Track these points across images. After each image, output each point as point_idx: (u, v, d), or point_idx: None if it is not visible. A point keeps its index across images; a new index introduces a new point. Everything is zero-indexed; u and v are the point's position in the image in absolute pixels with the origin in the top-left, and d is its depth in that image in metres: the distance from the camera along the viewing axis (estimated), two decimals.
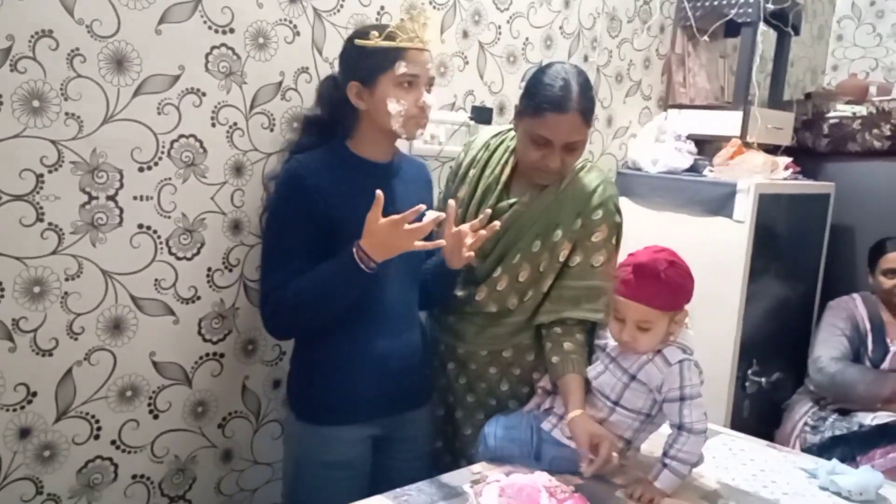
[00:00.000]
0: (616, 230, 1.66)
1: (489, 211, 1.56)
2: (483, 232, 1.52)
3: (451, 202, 1.51)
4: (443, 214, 1.44)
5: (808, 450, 2.42)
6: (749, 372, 2.54)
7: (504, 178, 1.68)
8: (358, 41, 1.46)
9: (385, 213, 1.40)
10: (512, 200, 1.66)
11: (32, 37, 1.31)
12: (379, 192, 1.35)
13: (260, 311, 1.49)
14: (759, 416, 2.63)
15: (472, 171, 1.73)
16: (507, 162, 1.69)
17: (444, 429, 1.80)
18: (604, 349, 1.50)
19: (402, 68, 1.44)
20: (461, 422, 1.75)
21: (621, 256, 2.58)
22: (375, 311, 1.51)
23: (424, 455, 1.68)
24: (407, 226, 1.35)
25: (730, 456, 1.72)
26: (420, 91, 1.48)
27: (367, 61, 1.46)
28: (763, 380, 2.57)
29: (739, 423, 2.48)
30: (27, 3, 1.30)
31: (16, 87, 1.31)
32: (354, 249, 1.38)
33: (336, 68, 1.61)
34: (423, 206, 1.40)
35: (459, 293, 1.71)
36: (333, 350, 1.50)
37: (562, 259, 1.63)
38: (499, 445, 1.52)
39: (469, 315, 1.71)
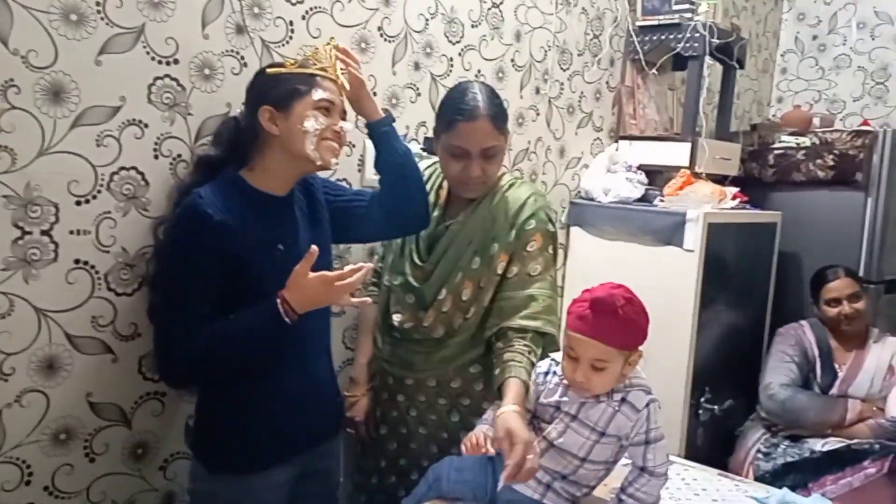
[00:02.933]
0: (551, 239, 1.68)
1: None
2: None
3: (314, 248, 1.38)
4: (370, 266, 1.44)
5: (761, 477, 2.44)
6: (702, 400, 2.56)
7: (440, 202, 1.74)
8: (271, 70, 1.44)
9: (286, 247, 1.42)
10: (448, 223, 1.70)
11: None
12: (314, 248, 1.34)
13: (160, 361, 1.41)
14: (713, 443, 2.65)
15: None
16: (440, 187, 1.76)
17: (397, 462, 1.77)
18: (558, 406, 1.44)
19: (318, 94, 1.43)
20: (417, 454, 1.72)
21: (574, 286, 2.64)
22: (284, 346, 1.45)
23: (334, 487, 1.67)
24: (338, 283, 1.34)
25: (682, 486, 1.71)
26: (336, 118, 1.47)
27: (281, 87, 1.42)
28: (716, 407, 2.59)
29: (693, 451, 2.49)
30: None
31: None
32: (279, 301, 1.34)
33: None
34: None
35: (406, 323, 1.70)
36: (244, 392, 1.44)
37: (500, 271, 1.65)
38: (451, 488, 1.48)
39: (417, 342, 1.70)
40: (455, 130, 1.60)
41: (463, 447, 1.39)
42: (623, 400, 1.39)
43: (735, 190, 2.73)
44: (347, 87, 1.49)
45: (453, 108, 1.62)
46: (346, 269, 1.37)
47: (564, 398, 1.43)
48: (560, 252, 2.70)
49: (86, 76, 1.41)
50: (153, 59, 1.50)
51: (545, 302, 1.62)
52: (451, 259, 1.68)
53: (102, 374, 1.52)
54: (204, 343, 1.34)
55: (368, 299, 1.51)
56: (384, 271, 1.82)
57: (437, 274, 1.68)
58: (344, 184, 1.91)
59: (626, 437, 1.40)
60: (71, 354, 1.47)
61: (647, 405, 1.39)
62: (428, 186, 1.75)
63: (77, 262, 1.45)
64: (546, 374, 1.50)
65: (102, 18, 1.42)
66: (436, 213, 1.73)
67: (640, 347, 1.40)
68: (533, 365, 1.53)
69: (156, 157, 1.53)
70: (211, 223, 1.35)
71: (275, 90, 1.42)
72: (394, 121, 1.63)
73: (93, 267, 1.47)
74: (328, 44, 1.50)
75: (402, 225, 1.69)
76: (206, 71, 1.59)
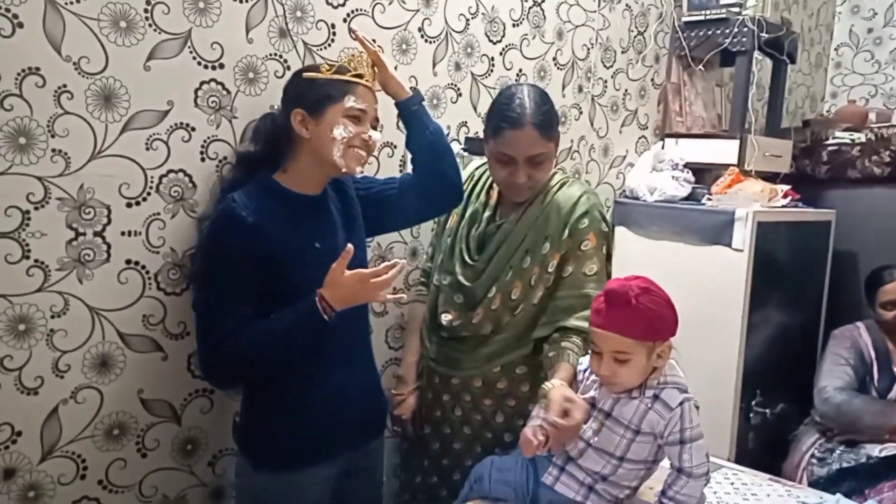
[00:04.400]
0: (605, 238, 1.67)
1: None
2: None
3: (350, 246, 1.39)
4: (403, 262, 1.45)
5: (815, 482, 2.36)
6: (753, 403, 2.50)
7: (492, 202, 1.73)
8: (306, 74, 1.46)
9: (323, 245, 1.43)
10: (499, 222, 1.70)
11: (19, 74, 1.32)
12: (349, 246, 1.35)
13: (203, 360, 1.44)
14: (766, 447, 2.58)
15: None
16: (491, 187, 1.76)
17: (439, 462, 1.77)
18: (594, 404, 1.43)
19: (350, 101, 1.44)
20: (460, 454, 1.72)
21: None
22: (327, 343, 1.46)
23: (380, 486, 1.67)
24: (373, 280, 1.35)
25: (731, 491, 1.68)
26: (366, 127, 1.48)
27: (315, 91, 1.44)
28: (768, 411, 2.52)
29: (745, 455, 2.43)
30: (14, 42, 1.30)
31: (2, 125, 1.31)
32: (317, 300, 1.36)
33: None
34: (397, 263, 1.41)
35: (454, 322, 1.70)
36: (288, 388, 1.46)
37: (551, 270, 1.64)
38: (493, 488, 1.48)
39: (463, 340, 1.70)
40: (501, 137, 1.60)
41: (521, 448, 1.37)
42: (656, 397, 1.37)
43: (786, 188, 2.66)
44: (376, 81, 1.53)
45: (500, 115, 1.61)
46: (381, 266, 1.39)
47: (600, 395, 1.42)
48: None
49: (135, 81, 1.45)
50: (199, 63, 1.54)
51: None
52: (502, 258, 1.68)
53: (153, 371, 1.56)
54: (244, 343, 1.37)
55: (404, 296, 1.52)
56: (433, 271, 1.83)
57: (488, 272, 1.68)
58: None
59: (661, 435, 1.37)
60: (123, 352, 1.51)
61: (681, 403, 1.36)
62: (479, 187, 1.78)
63: (128, 262, 1.50)
64: (585, 370, 1.49)
65: (150, 25, 1.46)
66: (487, 214, 1.73)
67: (671, 340, 1.37)
68: (581, 357, 1.52)
69: (202, 159, 1.57)
70: (245, 226, 1.38)
71: (309, 94, 1.44)
72: (423, 99, 1.65)
73: (143, 267, 1.52)
74: (358, 54, 1.51)
75: (437, 203, 1.70)
76: (251, 74, 1.62)
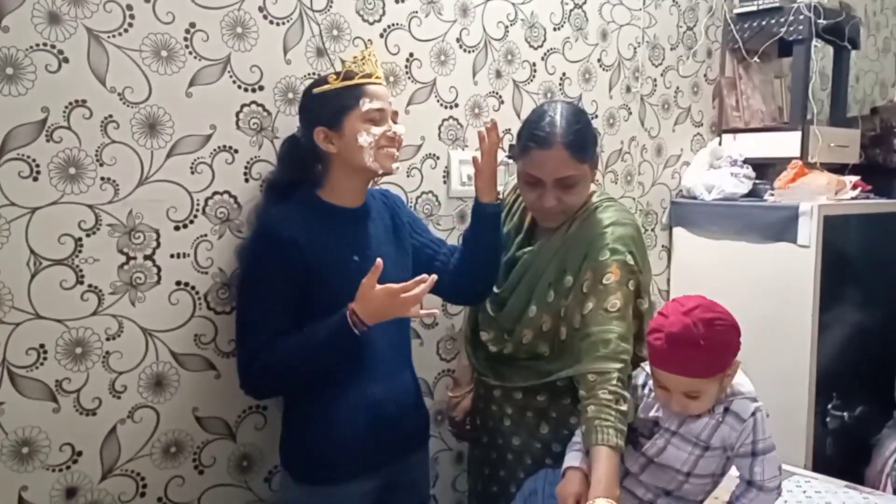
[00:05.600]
0: (630, 273, 1.49)
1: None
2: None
3: (379, 261, 1.36)
4: (434, 277, 1.39)
5: None
6: (829, 406, 2.37)
7: (525, 226, 1.66)
8: (316, 90, 1.47)
9: (362, 258, 1.42)
10: (525, 250, 1.62)
11: (67, 107, 1.37)
12: (379, 261, 1.34)
13: (241, 373, 1.45)
14: (845, 453, 2.44)
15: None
16: (525, 209, 1.67)
17: (497, 473, 1.74)
18: (657, 422, 1.36)
19: (367, 104, 1.44)
20: (514, 465, 1.69)
21: (680, 290, 2.52)
22: (365, 357, 1.46)
23: (423, 500, 1.65)
24: (403, 294, 1.34)
25: (803, 500, 1.60)
26: (388, 123, 1.48)
27: (330, 104, 1.45)
28: (846, 414, 2.39)
29: (822, 461, 2.30)
30: (60, 76, 1.36)
31: (52, 157, 1.36)
32: (348, 314, 1.36)
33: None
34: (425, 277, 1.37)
35: (491, 344, 1.67)
36: (326, 403, 1.46)
37: (572, 301, 1.52)
38: (547, 503, 1.44)
39: (505, 356, 1.67)
40: (529, 157, 1.51)
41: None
42: (726, 410, 1.31)
43: (855, 179, 2.52)
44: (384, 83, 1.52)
45: (528, 134, 1.52)
46: (411, 280, 1.37)
47: (666, 413, 1.35)
48: (664, 254, 2.60)
49: (178, 108, 1.50)
50: (239, 87, 1.58)
51: (623, 345, 1.43)
52: (523, 292, 1.60)
53: (207, 389, 1.59)
54: (278, 356, 1.38)
55: (437, 311, 1.47)
56: None
57: (511, 305, 1.61)
58: (431, 197, 1.92)
59: (732, 447, 1.31)
60: (177, 371, 1.55)
61: (753, 414, 1.30)
62: (515, 207, 1.72)
63: (178, 283, 1.53)
64: (643, 385, 1.43)
65: (191, 52, 1.50)
66: (519, 238, 1.67)
67: (737, 358, 1.30)
68: (624, 415, 1.36)
69: (246, 180, 1.60)
70: (279, 239, 1.40)
71: (324, 110, 1.46)
72: (502, 210, 1.61)
73: (193, 288, 1.55)
74: (361, 54, 1.50)
75: (463, 296, 1.68)
76: (290, 95, 1.65)
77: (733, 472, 1.39)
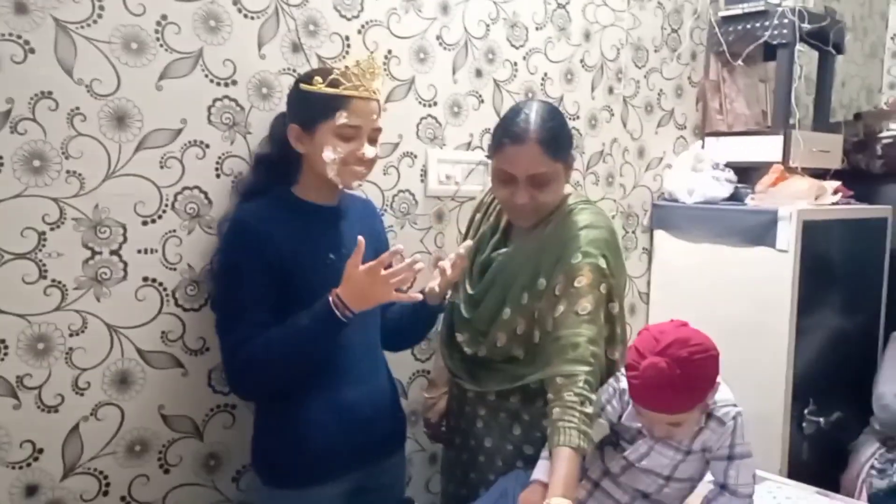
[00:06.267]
0: (602, 277, 1.47)
1: (469, 242, 1.55)
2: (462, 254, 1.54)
3: (361, 238, 1.36)
4: (417, 257, 1.40)
5: (874, 495, 2.24)
6: (805, 412, 2.37)
7: (502, 225, 1.64)
8: (302, 85, 1.43)
9: (337, 257, 1.41)
10: (500, 251, 1.61)
11: (32, 98, 1.35)
12: (360, 238, 1.32)
13: (226, 369, 1.43)
14: (822, 459, 2.44)
15: (477, 216, 1.73)
16: (502, 209, 1.65)
17: (468, 475, 1.72)
18: (640, 431, 1.35)
19: (342, 119, 1.40)
20: (485, 467, 1.68)
21: (661, 292, 2.52)
22: (339, 360, 1.45)
23: (400, 502, 1.64)
24: (383, 271, 1.32)
25: None
26: (361, 142, 1.44)
27: (308, 106, 1.42)
28: (822, 420, 2.39)
29: (798, 466, 2.30)
30: (26, 67, 1.33)
31: (16, 149, 1.34)
32: (331, 298, 1.34)
33: None
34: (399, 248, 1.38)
35: (466, 346, 1.65)
36: (298, 405, 1.44)
37: (548, 307, 1.50)
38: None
39: (479, 358, 1.65)
40: (502, 153, 1.50)
41: None
42: (709, 416, 1.30)
43: (836, 184, 2.52)
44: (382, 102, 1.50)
45: (503, 129, 1.52)
46: (386, 253, 1.35)
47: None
48: (645, 256, 2.59)
49: (148, 101, 1.47)
50: (212, 81, 1.55)
51: (591, 348, 1.41)
52: (497, 294, 1.58)
53: (173, 387, 1.57)
54: (260, 347, 1.36)
55: (419, 296, 1.46)
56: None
57: (485, 307, 1.60)
58: (408, 196, 1.91)
59: (709, 449, 1.30)
60: (143, 369, 1.52)
61: (734, 418, 1.29)
62: (490, 208, 1.71)
63: (146, 279, 1.51)
64: (618, 394, 1.42)
65: (161, 45, 1.48)
66: (494, 238, 1.65)
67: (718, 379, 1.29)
68: (589, 418, 1.34)
69: (217, 175, 1.58)
70: (255, 233, 1.39)
71: (302, 110, 1.44)
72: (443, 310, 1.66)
73: (161, 284, 1.53)
74: (358, 62, 1.45)
75: (384, 344, 1.67)
76: (264, 90, 1.62)
77: (708, 476, 1.39)
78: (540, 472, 1.35)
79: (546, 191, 1.51)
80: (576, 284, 1.46)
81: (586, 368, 1.38)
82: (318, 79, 1.41)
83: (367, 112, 1.44)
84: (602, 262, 1.48)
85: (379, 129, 1.49)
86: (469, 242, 1.57)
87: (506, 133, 1.50)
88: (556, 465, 1.29)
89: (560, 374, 1.39)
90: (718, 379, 1.28)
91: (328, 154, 1.41)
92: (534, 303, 1.53)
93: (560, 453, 1.30)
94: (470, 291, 1.64)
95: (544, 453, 1.38)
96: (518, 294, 1.54)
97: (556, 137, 1.50)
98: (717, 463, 1.31)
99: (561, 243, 1.51)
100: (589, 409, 1.35)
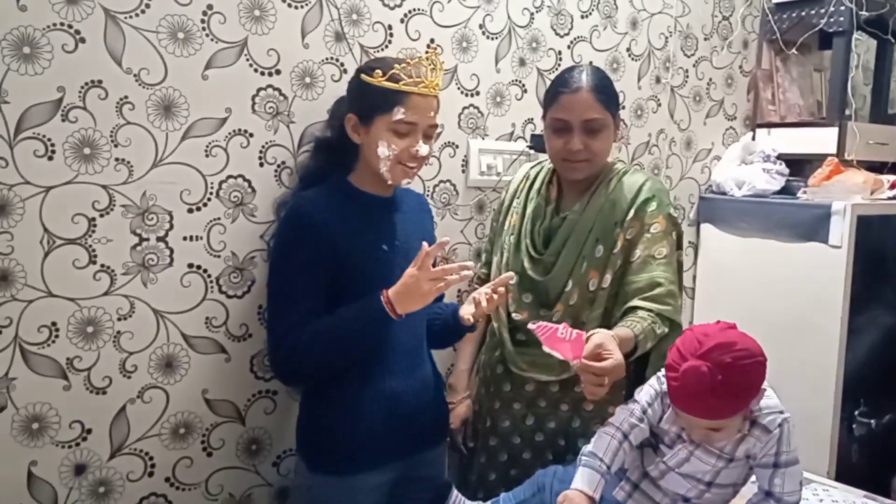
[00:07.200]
0: (674, 224, 1.61)
1: (511, 273, 1.55)
2: (501, 291, 1.51)
3: (425, 244, 1.38)
4: (469, 264, 1.39)
5: None
6: (856, 413, 2.30)
7: (553, 197, 1.70)
8: (363, 76, 1.42)
9: (391, 248, 1.42)
10: (564, 214, 1.66)
11: (82, 87, 1.38)
12: (425, 245, 1.33)
13: (270, 355, 1.46)
14: (872, 462, 2.37)
15: (515, 202, 1.74)
16: (550, 182, 1.71)
17: (507, 474, 1.70)
18: (680, 435, 1.31)
19: (399, 114, 1.40)
20: (531, 463, 1.65)
21: (707, 287, 2.46)
22: (385, 350, 1.46)
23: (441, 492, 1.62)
24: (434, 269, 1.33)
25: None
26: (416, 139, 1.43)
27: (367, 98, 1.42)
28: (873, 421, 2.31)
29: (847, 469, 2.24)
30: (77, 56, 1.37)
31: (67, 136, 1.37)
32: (382, 297, 1.35)
33: None
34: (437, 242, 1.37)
35: (532, 324, 1.64)
36: (344, 394, 1.45)
37: (616, 252, 1.59)
38: (554, 500, 1.42)
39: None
40: (557, 103, 1.59)
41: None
42: (753, 423, 1.26)
43: (894, 178, 2.43)
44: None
45: (557, 83, 1.62)
46: (434, 246, 1.35)
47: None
48: (690, 250, 2.54)
49: (194, 90, 1.49)
50: (256, 70, 1.57)
51: (669, 287, 1.55)
52: (572, 249, 1.62)
53: (217, 372, 1.60)
54: (308, 337, 1.38)
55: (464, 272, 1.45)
56: (499, 270, 1.74)
57: (560, 265, 1.63)
58: (448, 186, 1.90)
59: (755, 456, 1.27)
60: (187, 353, 1.55)
61: (780, 425, 1.24)
62: (538, 183, 1.73)
63: (191, 266, 1.54)
64: (658, 395, 1.39)
65: (207, 35, 1.50)
66: (550, 207, 1.68)
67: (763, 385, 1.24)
68: (654, 336, 1.48)
69: (261, 164, 1.60)
70: (311, 221, 1.40)
71: (361, 100, 1.44)
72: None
73: (205, 271, 1.56)
74: (422, 57, 1.43)
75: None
76: (307, 79, 1.63)
77: (753, 477, 1.35)
78: (585, 481, 1.32)
79: (598, 138, 1.58)
80: (652, 231, 1.57)
81: (664, 307, 1.52)
82: (378, 71, 1.40)
83: (425, 108, 1.43)
84: (674, 212, 1.62)
85: (435, 126, 1.48)
86: (511, 273, 1.56)
87: (561, 83, 1.60)
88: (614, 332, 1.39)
89: (636, 306, 1.52)
90: (764, 385, 1.24)
91: (382, 150, 1.41)
92: (607, 254, 1.60)
93: (618, 329, 1.43)
94: (537, 256, 1.67)
95: (582, 459, 1.36)
96: (592, 247, 1.61)
97: (607, 88, 1.61)
98: (761, 470, 1.27)
99: (630, 195, 1.61)
100: (658, 331, 1.49)
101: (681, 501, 1.34)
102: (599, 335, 1.33)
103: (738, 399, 1.19)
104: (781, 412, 1.26)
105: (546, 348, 1.36)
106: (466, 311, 1.52)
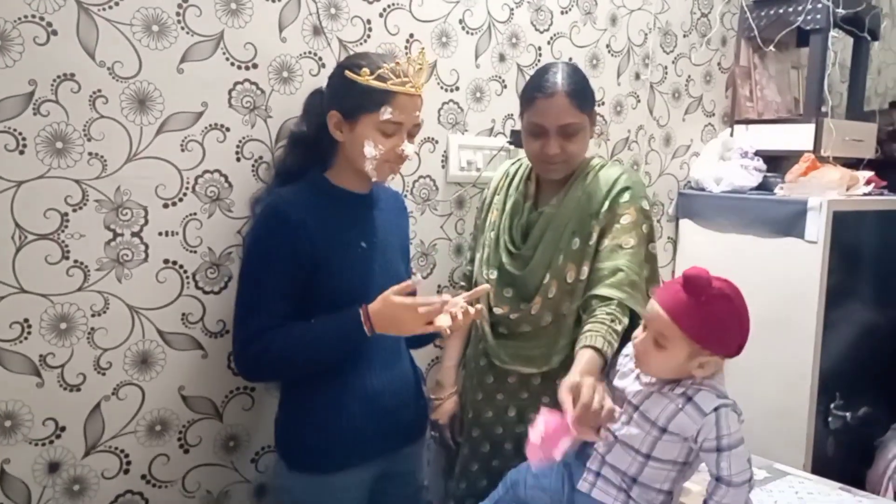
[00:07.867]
0: (645, 217, 1.61)
1: (487, 286, 1.54)
2: (478, 307, 1.46)
3: (416, 276, 1.45)
4: (457, 302, 1.37)
5: None
6: (832, 406, 2.33)
7: (531, 192, 1.71)
8: (348, 73, 1.40)
9: (369, 245, 1.42)
10: (541, 209, 1.67)
11: (54, 81, 1.36)
12: (413, 278, 1.38)
13: (236, 354, 1.42)
14: (848, 454, 2.40)
15: (496, 199, 1.76)
16: (528, 178, 1.73)
17: (489, 464, 1.72)
18: (626, 398, 1.35)
19: (386, 114, 1.39)
20: (512, 454, 1.66)
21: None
22: (365, 348, 1.44)
23: (418, 490, 1.64)
24: (421, 309, 1.32)
25: (795, 501, 1.56)
26: (401, 138, 1.43)
27: (352, 96, 1.40)
28: (849, 415, 2.34)
29: (823, 462, 2.26)
30: (49, 49, 1.35)
31: (39, 130, 1.35)
32: (361, 312, 1.35)
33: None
34: (416, 279, 1.41)
35: (511, 314, 1.65)
36: (324, 392, 1.44)
37: (591, 244, 1.60)
38: (529, 494, 1.42)
39: (524, 335, 1.66)
40: (533, 107, 1.59)
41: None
42: (688, 399, 1.28)
43: (869, 174, 2.46)
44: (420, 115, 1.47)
45: (533, 86, 1.61)
46: (436, 299, 1.35)
47: (632, 387, 1.34)
48: (669, 246, 2.55)
49: (169, 84, 1.48)
50: (233, 64, 1.55)
51: (631, 276, 1.54)
52: (549, 242, 1.63)
53: (194, 368, 1.58)
54: (278, 342, 1.36)
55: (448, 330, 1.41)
56: (481, 265, 1.75)
57: (538, 259, 1.64)
58: (428, 181, 1.90)
59: (694, 440, 1.29)
60: (163, 350, 1.54)
61: (716, 409, 1.27)
62: (517, 180, 1.74)
63: (166, 261, 1.52)
64: (627, 356, 1.42)
65: (183, 28, 1.48)
66: (528, 203, 1.70)
67: (719, 357, 1.27)
68: (616, 334, 1.46)
69: (238, 159, 1.58)
70: (288, 221, 1.38)
71: (345, 98, 1.41)
72: None
73: (181, 266, 1.54)
74: (409, 57, 1.43)
75: None
76: (285, 73, 1.62)
77: (702, 466, 1.37)
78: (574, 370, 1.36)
79: (574, 141, 1.59)
80: (621, 221, 1.58)
81: (621, 294, 1.51)
82: (365, 70, 1.38)
83: (411, 108, 1.42)
84: (645, 204, 1.62)
85: (419, 125, 1.48)
86: (487, 286, 1.55)
87: (536, 88, 1.59)
88: (577, 361, 1.39)
89: (596, 296, 1.53)
90: (722, 374, 1.27)
91: (369, 150, 1.40)
92: (584, 246, 1.61)
93: (582, 353, 1.41)
94: (515, 250, 1.68)
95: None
96: (569, 240, 1.62)
97: (583, 90, 1.61)
98: (707, 455, 1.30)
99: (605, 187, 1.62)
100: (618, 327, 1.47)
101: (632, 483, 1.36)
102: (561, 390, 1.27)
103: (707, 324, 1.23)
104: (721, 397, 1.28)
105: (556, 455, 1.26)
106: (443, 322, 1.45)
